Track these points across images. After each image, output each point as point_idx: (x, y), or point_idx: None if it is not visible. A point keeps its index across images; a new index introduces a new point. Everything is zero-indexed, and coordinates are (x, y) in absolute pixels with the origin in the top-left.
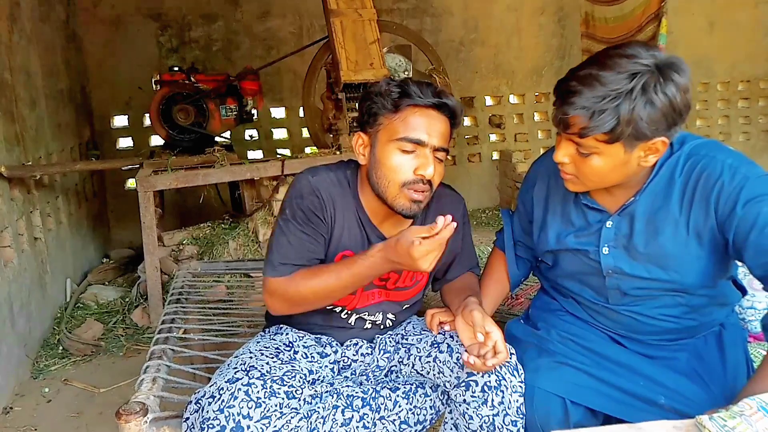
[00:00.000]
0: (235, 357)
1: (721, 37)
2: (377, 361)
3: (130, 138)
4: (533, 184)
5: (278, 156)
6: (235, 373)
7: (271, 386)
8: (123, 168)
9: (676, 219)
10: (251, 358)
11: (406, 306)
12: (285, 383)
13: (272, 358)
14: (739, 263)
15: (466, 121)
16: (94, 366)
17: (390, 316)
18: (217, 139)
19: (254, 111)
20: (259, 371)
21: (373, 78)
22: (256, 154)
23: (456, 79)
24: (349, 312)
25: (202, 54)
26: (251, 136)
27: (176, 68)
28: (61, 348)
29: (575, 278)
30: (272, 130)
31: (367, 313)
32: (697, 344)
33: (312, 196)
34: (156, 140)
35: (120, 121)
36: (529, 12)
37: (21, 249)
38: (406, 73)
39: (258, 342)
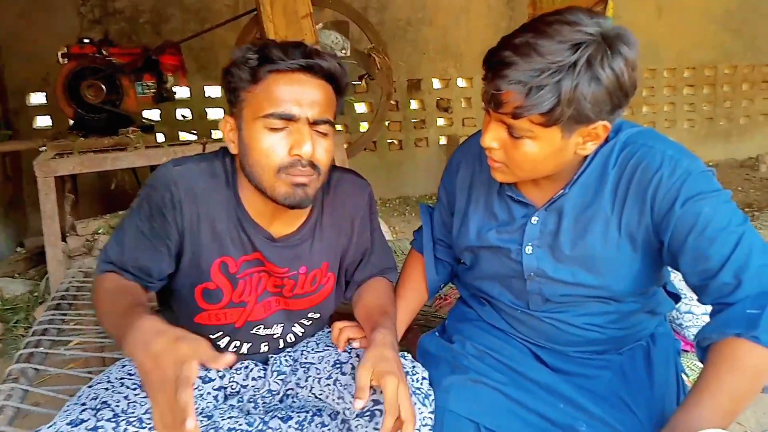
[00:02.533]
0: (89, 387)
1: (669, 23)
2: (269, 384)
3: (48, 116)
4: (457, 170)
5: (199, 139)
6: (81, 412)
7: (125, 430)
8: (40, 149)
9: (608, 217)
10: (107, 390)
11: (312, 316)
12: (145, 425)
13: (134, 389)
14: (672, 270)
15: (413, 104)
16: None
17: (295, 329)
18: (144, 118)
19: (176, 89)
20: (112, 410)
21: None
22: (191, 136)
23: (403, 60)
24: (239, 330)
25: (128, 26)
26: (183, 116)
27: (86, 40)
28: None
29: (495, 280)
30: (206, 110)
31: (262, 327)
32: (623, 362)
33: (165, 190)
34: None
35: (37, 98)
36: None
37: None
38: (344, 51)
39: (123, 366)
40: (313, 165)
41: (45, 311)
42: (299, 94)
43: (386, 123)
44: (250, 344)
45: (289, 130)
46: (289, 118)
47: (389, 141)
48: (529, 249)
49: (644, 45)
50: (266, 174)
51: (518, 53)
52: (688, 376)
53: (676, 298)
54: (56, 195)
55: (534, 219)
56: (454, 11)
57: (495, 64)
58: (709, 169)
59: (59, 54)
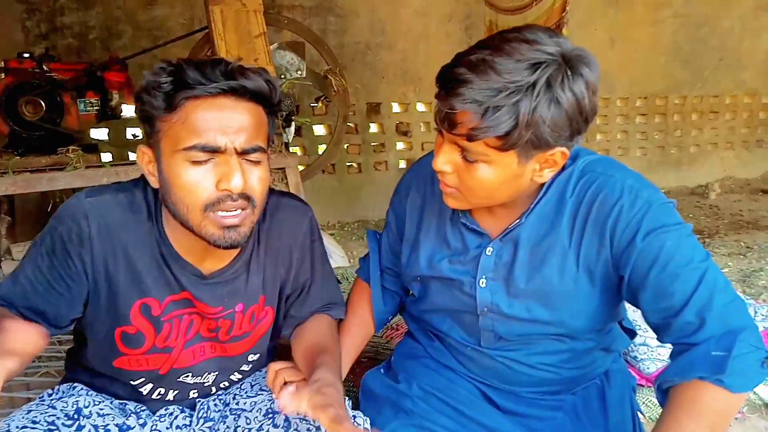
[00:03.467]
0: None
1: (622, 53)
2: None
3: None
4: (407, 193)
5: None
6: None
7: None
8: None
9: (565, 249)
10: None
11: (252, 359)
12: None
13: None
14: (630, 307)
15: (373, 128)
16: None
17: (232, 377)
18: (93, 138)
19: (123, 107)
20: None
21: None
22: None
23: (362, 83)
24: (163, 376)
25: (77, 42)
26: (135, 136)
27: (26, 55)
28: None
29: (445, 314)
30: None
31: (190, 375)
32: (576, 402)
33: (73, 223)
34: None
35: None
36: (437, 18)
37: None
38: (299, 72)
39: (32, 409)
40: (246, 197)
41: None
42: (223, 121)
43: (345, 146)
44: (176, 391)
45: (215, 162)
46: (214, 150)
47: (348, 164)
48: (483, 282)
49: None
50: (192, 212)
51: (474, 71)
52: (643, 414)
53: (632, 333)
54: None
55: (488, 250)
56: (413, 36)
57: (449, 81)
58: (670, 201)
59: None
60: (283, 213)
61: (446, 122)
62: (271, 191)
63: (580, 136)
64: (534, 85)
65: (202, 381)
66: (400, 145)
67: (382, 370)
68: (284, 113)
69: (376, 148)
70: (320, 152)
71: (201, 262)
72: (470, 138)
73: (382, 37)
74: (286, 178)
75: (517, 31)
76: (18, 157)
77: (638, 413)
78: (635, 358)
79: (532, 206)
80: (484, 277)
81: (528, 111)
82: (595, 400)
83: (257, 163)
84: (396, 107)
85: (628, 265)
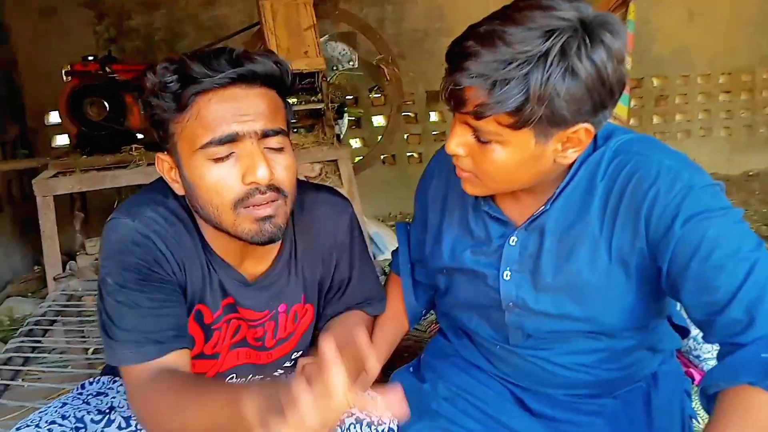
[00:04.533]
0: (18, 429)
1: (701, 28)
2: None
3: (66, 135)
4: (430, 180)
5: None
6: None
7: None
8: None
9: (596, 238)
10: None
11: (295, 356)
12: None
13: None
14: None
15: (433, 116)
16: None
17: (274, 374)
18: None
19: None
20: None
21: (306, 68)
22: None
23: (421, 71)
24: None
25: (143, 44)
26: None
27: (90, 57)
28: None
29: (471, 310)
30: None
31: (234, 376)
32: (618, 407)
33: (138, 247)
34: None
35: (55, 117)
36: (497, 1)
37: None
38: (351, 63)
39: (66, 402)
40: (275, 188)
41: (14, 338)
42: (237, 110)
43: (405, 136)
44: None
45: (236, 156)
46: (232, 139)
47: (408, 154)
48: (507, 275)
49: (676, 51)
50: (223, 213)
51: (482, 43)
52: (700, 421)
53: (684, 331)
54: (69, 213)
55: (512, 240)
56: (473, 20)
57: (456, 55)
58: (717, 182)
59: (63, 72)
60: (321, 209)
61: (453, 100)
62: (310, 185)
63: (606, 110)
64: (546, 54)
65: (246, 382)
66: None
67: (411, 369)
68: (336, 105)
69: (437, 137)
70: None
71: (241, 264)
72: (478, 115)
73: (441, 22)
74: (339, 170)
75: None
76: (85, 157)
77: (693, 420)
78: (698, 357)
79: (559, 191)
80: (508, 269)
81: (540, 83)
82: (638, 405)
83: (280, 150)
84: None
85: (666, 256)
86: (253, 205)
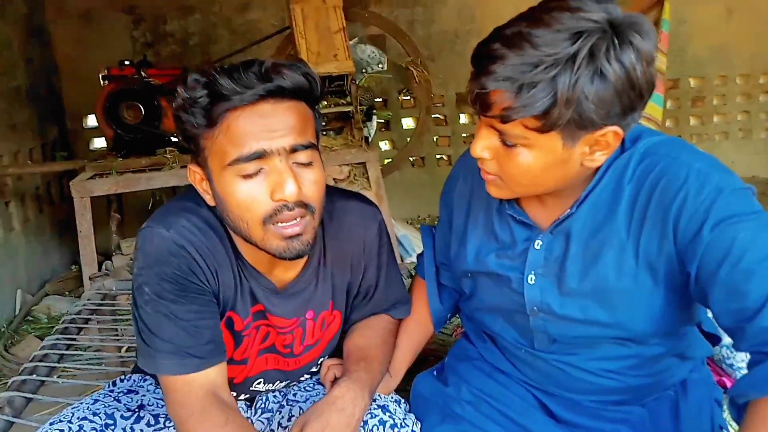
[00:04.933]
0: (51, 424)
1: (741, 25)
2: (252, 422)
3: (104, 138)
4: (455, 183)
5: None
6: None
7: None
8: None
9: (623, 242)
10: None
11: (321, 361)
12: None
13: None
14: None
15: (463, 118)
16: None
17: (300, 379)
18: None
19: None
20: None
21: (336, 70)
22: None
23: (452, 72)
24: (237, 385)
25: (179, 48)
26: None
27: (126, 62)
28: None
29: (496, 313)
30: None
31: (262, 382)
32: (645, 416)
33: (176, 258)
34: None
35: (93, 120)
36: (529, 1)
37: None
38: (380, 65)
39: (98, 399)
40: (303, 205)
41: (50, 335)
42: (267, 126)
43: (434, 138)
44: (247, 395)
45: (265, 172)
46: (260, 156)
47: (438, 156)
48: (531, 279)
49: (713, 50)
50: (252, 228)
51: (509, 45)
52: (729, 431)
53: (715, 338)
54: (105, 213)
55: (537, 243)
56: (504, 21)
57: (482, 58)
58: (748, 186)
59: (100, 76)
60: (351, 217)
61: (478, 103)
62: (340, 192)
63: (635, 113)
64: (574, 56)
65: (273, 387)
66: None
67: (434, 372)
68: (365, 108)
69: (466, 140)
70: None
71: (271, 272)
72: (504, 119)
73: (472, 24)
74: (367, 173)
75: (563, 0)
76: (121, 159)
77: (723, 430)
78: (731, 366)
79: (585, 194)
80: (532, 273)
81: (568, 86)
82: (666, 414)
83: (309, 165)
84: None
85: (695, 260)
86: (281, 222)
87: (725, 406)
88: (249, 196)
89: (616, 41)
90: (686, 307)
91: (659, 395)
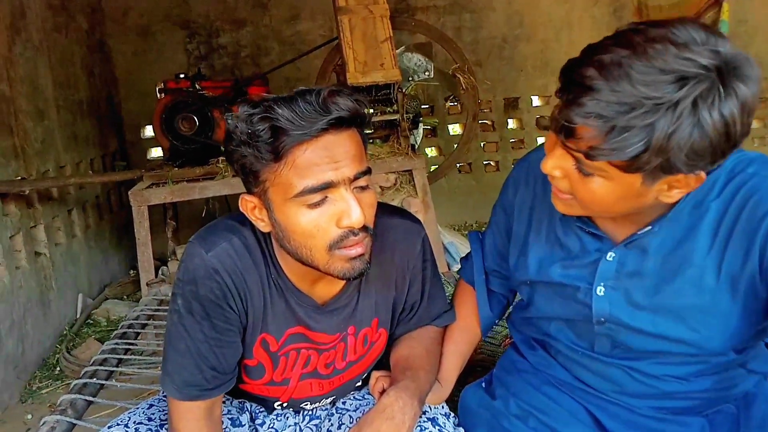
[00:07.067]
0: (109, 428)
1: None
2: (300, 429)
3: (161, 148)
4: (516, 189)
5: None
6: None
7: None
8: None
9: (704, 258)
10: None
11: (367, 376)
12: None
13: None
14: None
15: (511, 124)
16: None
17: (347, 395)
18: None
19: None
20: None
21: (383, 79)
22: None
23: (499, 78)
24: (284, 403)
25: (231, 61)
26: None
27: (182, 75)
28: (58, 369)
29: (555, 320)
30: None
31: (308, 403)
32: (705, 427)
33: (210, 281)
34: None
35: (151, 131)
36: (580, 3)
37: (15, 266)
38: (427, 73)
39: (153, 404)
40: (364, 228)
41: (109, 339)
42: (331, 158)
43: (482, 144)
44: (297, 412)
45: (330, 200)
46: (327, 187)
47: (485, 162)
48: (600, 290)
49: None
50: (316, 254)
51: (605, 76)
52: None
53: None
54: (162, 221)
55: (610, 255)
56: (553, 25)
57: (574, 84)
58: None
59: (157, 89)
60: (395, 235)
61: (563, 132)
62: (383, 207)
63: (722, 159)
64: (677, 104)
65: (320, 405)
66: (541, 140)
67: (483, 384)
68: (411, 115)
69: (514, 145)
70: None
71: (313, 288)
72: (589, 157)
73: (520, 29)
74: (413, 180)
75: (666, 27)
76: (176, 169)
77: None
78: None
79: (666, 213)
80: (602, 284)
81: (664, 135)
82: (726, 427)
83: (365, 188)
84: (536, 101)
85: None
86: (346, 247)
87: None
88: (315, 225)
89: (722, 91)
90: (757, 325)
91: (720, 408)
